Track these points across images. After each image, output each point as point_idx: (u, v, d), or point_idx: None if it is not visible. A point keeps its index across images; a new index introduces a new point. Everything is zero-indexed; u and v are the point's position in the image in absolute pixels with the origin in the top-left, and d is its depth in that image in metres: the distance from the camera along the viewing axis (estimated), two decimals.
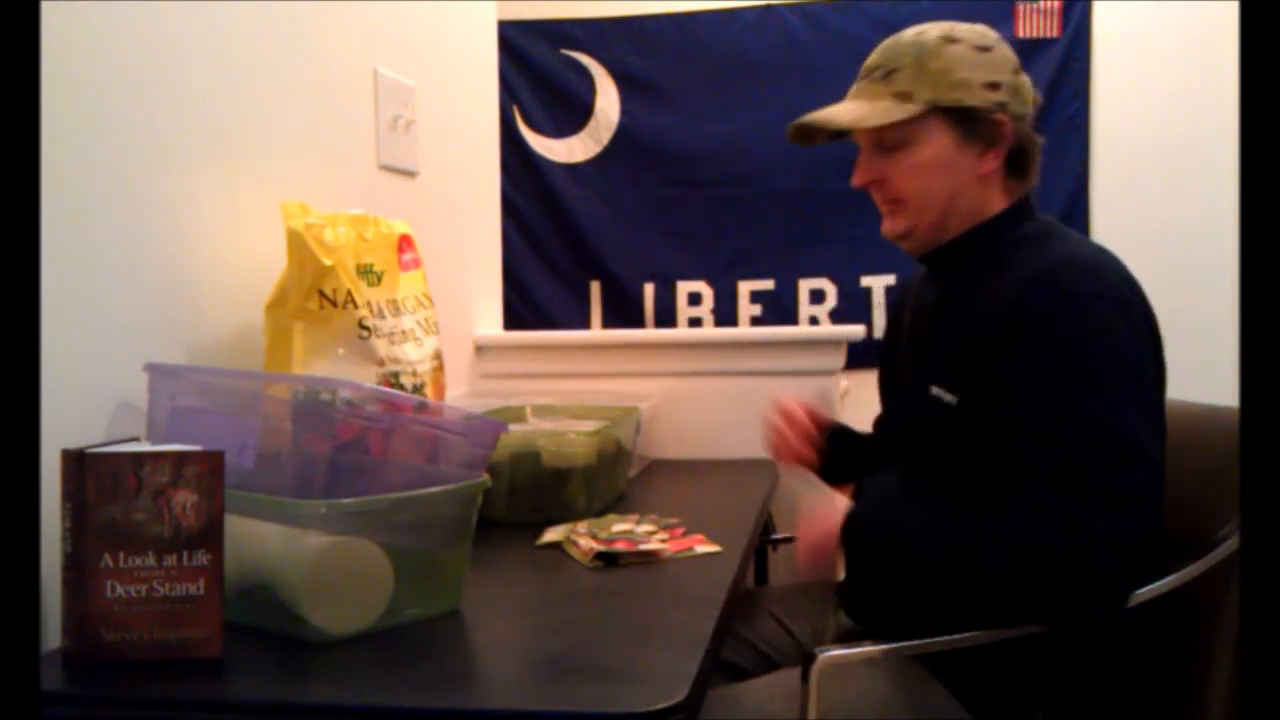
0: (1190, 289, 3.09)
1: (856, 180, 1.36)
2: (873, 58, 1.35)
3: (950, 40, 1.30)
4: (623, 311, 3.54)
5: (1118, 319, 1.19)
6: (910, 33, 1.33)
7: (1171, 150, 3.23)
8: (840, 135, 1.37)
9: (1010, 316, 1.21)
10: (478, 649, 1.08)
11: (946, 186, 1.31)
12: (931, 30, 1.32)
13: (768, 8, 3.43)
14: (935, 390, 1.28)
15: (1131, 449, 1.15)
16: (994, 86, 1.29)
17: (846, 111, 1.32)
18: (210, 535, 0.97)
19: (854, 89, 1.36)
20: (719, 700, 1.24)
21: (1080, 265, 1.22)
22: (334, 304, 1.32)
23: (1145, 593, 1.16)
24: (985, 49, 1.30)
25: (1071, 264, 1.22)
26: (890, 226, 1.36)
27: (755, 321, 3.47)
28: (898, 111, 1.29)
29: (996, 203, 1.33)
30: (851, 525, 1.25)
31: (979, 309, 1.26)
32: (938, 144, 1.30)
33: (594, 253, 3.56)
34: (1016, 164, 1.33)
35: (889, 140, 1.31)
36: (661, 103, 3.51)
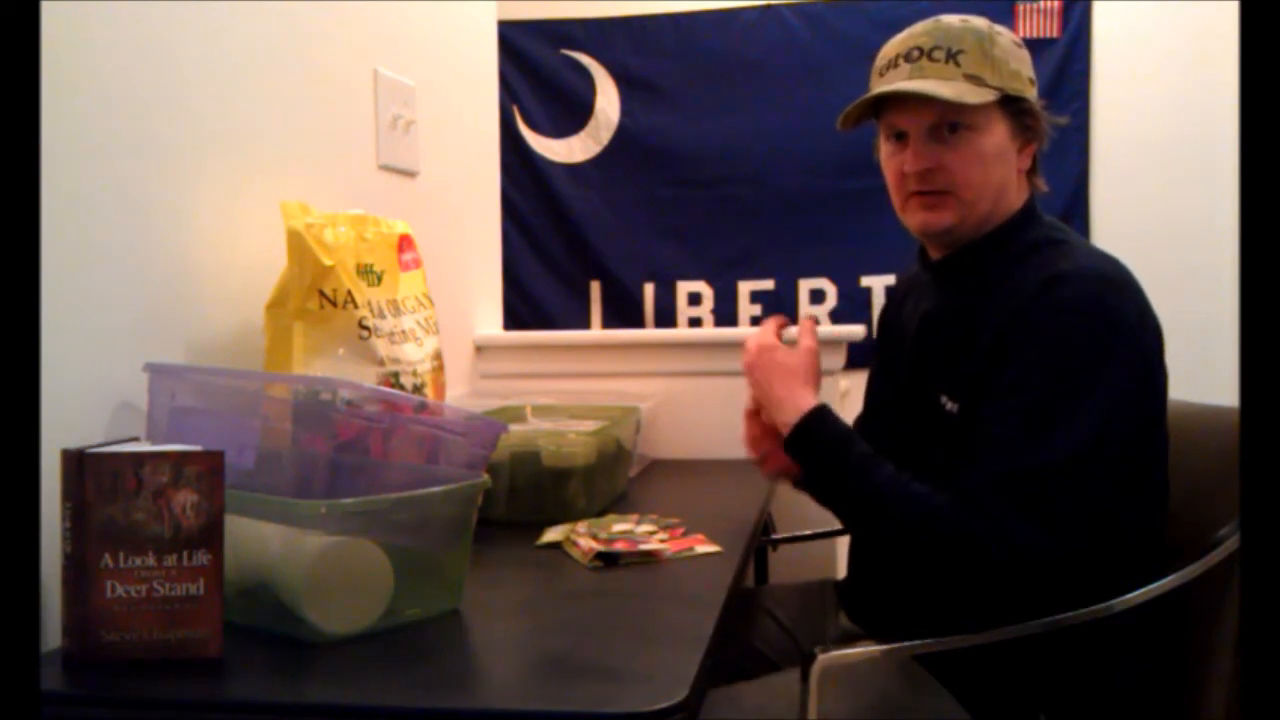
0: (1190, 289, 3.10)
1: (914, 166, 1.28)
2: (921, 39, 1.28)
3: (996, 31, 1.29)
4: (623, 311, 3.55)
5: (1113, 338, 1.18)
6: (953, 18, 1.30)
7: (1171, 150, 3.23)
8: (861, 121, 1.34)
9: (1011, 325, 1.21)
10: (478, 649, 1.08)
11: (999, 178, 1.29)
12: (975, 20, 1.30)
13: (768, 8, 3.43)
14: (943, 399, 1.28)
15: (1086, 469, 1.15)
16: (1032, 82, 1.30)
17: (943, 87, 1.24)
18: (210, 535, 0.97)
19: (908, 69, 1.28)
20: (719, 700, 1.24)
21: (1086, 278, 1.21)
22: (334, 304, 1.32)
23: (1145, 593, 1.16)
24: (1020, 45, 1.31)
25: (1076, 276, 1.20)
26: (933, 219, 1.30)
27: (755, 321, 3.47)
28: (978, 94, 1.24)
29: (1020, 199, 1.33)
30: (817, 417, 1.29)
31: (987, 319, 1.25)
32: (998, 133, 1.28)
33: (594, 253, 3.56)
34: (1035, 160, 1.34)
35: (956, 125, 1.26)
36: (661, 103, 3.51)
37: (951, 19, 1.30)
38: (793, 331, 1.44)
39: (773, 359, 1.37)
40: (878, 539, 1.32)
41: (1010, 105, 1.28)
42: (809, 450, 1.30)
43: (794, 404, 1.31)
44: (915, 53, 1.28)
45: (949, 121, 1.26)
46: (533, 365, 2.33)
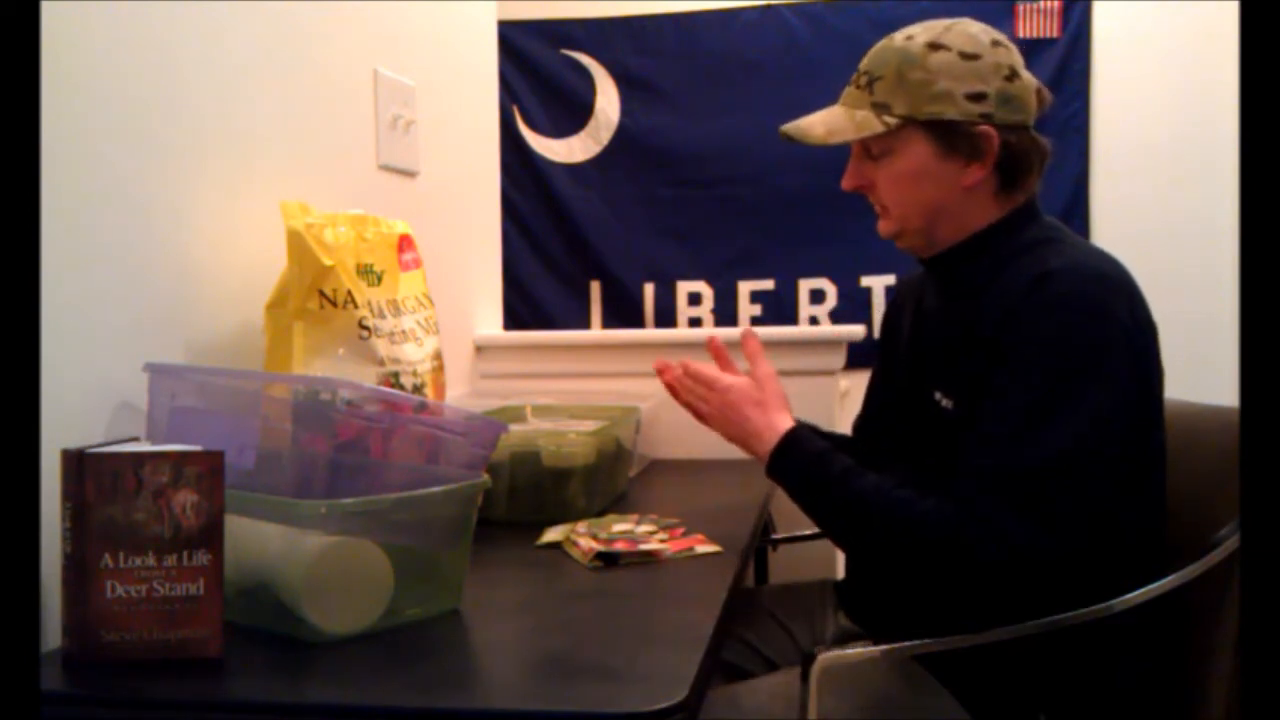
0: (1190, 289, 3.10)
1: (844, 184, 1.36)
2: (864, 60, 1.33)
3: (935, 47, 1.26)
4: (623, 311, 3.55)
5: (1108, 333, 1.18)
6: (901, 36, 1.30)
7: (1171, 151, 3.23)
8: None
9: (1005, 323, 1.21)
10: (478, 649, 1.08)
11: (928, 198, 1.30)
12: (921, 35, 1.28)
13: (768, 8, 3.43)
14: (937, 395, 1.28)
15: (1085, 467, 1.15)
16: (978, 98, 1.25)
17: (821, 123, 1.32)
18: (210, 535, 0.97)
19: (844, 92, 1.34)
20: (719, 700, 1.24)
21: (1078, 274, 1.20)
22: (334, 304, 1.32)
23: (1145, 593, 1.16)
24: (972, 56, 1.26)
25: (1068, 273, 1.20)
26: (882, 227, 1.37)
27: (755, 321, 3.47)
28: (873, 124, 1.28)
29: (988, 214, 1.30)
30: (796, 435, 1.30)
31: (981, 316, 1.25)
32: (916, 156, 1.28)
33: (594, 253, 3.56)
34: (1009, 173, 1.29)
35: (874, 148, 1.31)
36: (661, 103, 3.51)
37: (899, 36, 1.30)
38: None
39: (736, 397, 1.35)
40: (865, 548, 1.32)
41: (933, 127, 1.26)
42: (790, 468, 1.29)
43: (772, 428, 1.31)
44: (854, 75, 1.34)
45: (867, 144, 1.31)
46: (533, 365, 2.33)
